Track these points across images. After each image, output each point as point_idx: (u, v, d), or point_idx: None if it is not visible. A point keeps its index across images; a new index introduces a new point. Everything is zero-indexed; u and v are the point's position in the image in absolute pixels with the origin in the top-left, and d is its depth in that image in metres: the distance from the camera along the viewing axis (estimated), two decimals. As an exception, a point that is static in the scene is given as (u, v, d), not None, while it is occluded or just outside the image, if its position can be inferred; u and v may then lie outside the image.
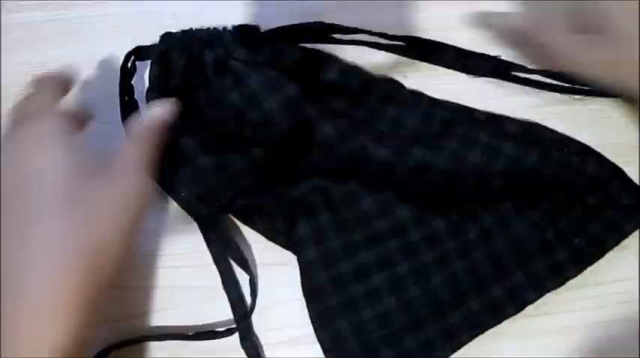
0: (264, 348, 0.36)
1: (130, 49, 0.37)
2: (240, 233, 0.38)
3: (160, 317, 0.37)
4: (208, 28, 0.36)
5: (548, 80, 0.40)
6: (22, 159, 0.28)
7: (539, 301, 0.36)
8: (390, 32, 0.39)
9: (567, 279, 0.36)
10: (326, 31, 0.38)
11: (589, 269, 0.36)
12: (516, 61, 0.40)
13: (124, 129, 0.36)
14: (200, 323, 0.36)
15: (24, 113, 0.31)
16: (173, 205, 0.38)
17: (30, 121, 0.30)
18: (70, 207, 0.27)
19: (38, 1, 0.41)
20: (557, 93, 0.40)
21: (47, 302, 0.25)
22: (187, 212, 0.37)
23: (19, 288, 0.25)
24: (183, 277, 0.37)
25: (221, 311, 0.36)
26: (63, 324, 0.25)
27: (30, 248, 0.25)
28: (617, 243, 0.36)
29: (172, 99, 0.34)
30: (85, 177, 0.28)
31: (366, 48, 0.39)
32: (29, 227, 0.26)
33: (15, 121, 0.31)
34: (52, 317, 0.25)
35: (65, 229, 0.26)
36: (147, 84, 0.36)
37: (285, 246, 0.37)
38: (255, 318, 0.36)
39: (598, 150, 0.38)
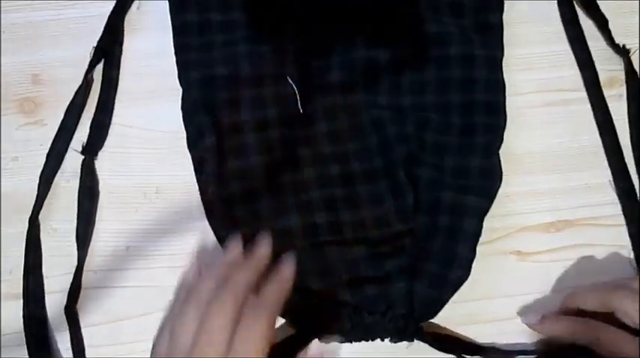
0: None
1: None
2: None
3: (160, 317, 0.37)
4: None
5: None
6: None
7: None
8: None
9: None
10: None
11: (589, 269, 0.37)
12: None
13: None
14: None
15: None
16: (174, 205, 0.38)
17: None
18: None
19: (38, 1, 0.41)
20: (557, 93, 0.40)
21: None
22: None
23: None
24: (183, 277, 0.37)
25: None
26: None
27: None
28: None
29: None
30: None
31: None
32: None
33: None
34: None
35: None
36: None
37: None
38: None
39: (596, 150, 0.39)
